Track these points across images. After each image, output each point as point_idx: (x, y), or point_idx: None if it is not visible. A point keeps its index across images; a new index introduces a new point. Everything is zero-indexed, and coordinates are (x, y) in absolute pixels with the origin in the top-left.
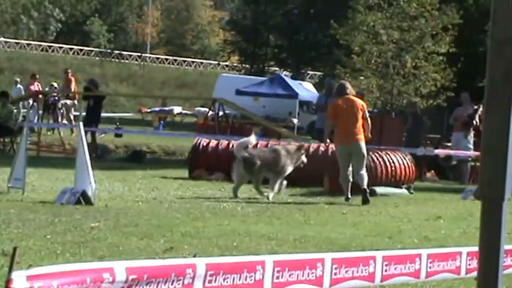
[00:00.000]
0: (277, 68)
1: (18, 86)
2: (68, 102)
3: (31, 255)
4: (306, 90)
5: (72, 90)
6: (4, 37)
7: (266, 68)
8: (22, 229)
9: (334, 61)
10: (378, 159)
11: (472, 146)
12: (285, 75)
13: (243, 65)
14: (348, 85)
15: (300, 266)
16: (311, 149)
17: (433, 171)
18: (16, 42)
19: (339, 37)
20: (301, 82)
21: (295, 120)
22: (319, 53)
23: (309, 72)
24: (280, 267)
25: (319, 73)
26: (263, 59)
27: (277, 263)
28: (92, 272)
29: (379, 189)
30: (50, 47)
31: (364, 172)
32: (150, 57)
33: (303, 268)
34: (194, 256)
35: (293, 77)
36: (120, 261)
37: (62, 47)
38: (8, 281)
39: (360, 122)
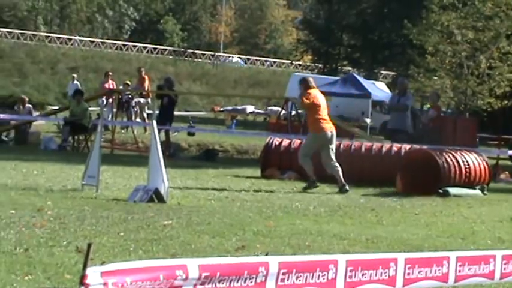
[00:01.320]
0: (350, 68)
1: (75, 82)
2: (142, 100)
3: (104, 252)
4: (379, 90)
5: (146, 88)
6: (79, 36)
7: (339, 67)
8: (96, 226)
9: (407, 61)
10: (451, 159)
11: None
12: (358, 74)
13: (316, 65)
14: (311, 79)
15: (373, 265)
16: (383, 149)
17: (507, 173)
18: (91, 41)
19: (413, 37)
20: (374, 82)
21: (368, 120)
22: (392, 53)
23: (382, 72)
24: (353, 267)
25: (392, 73)
26: (336, 58)
27: (350, 263)
28: (165, 269)
29: (452, 190)
30: (124, 45)
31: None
32: (223, 56)
33: (376, 268)
34: (266, 255)
35: (366, 77)
36: (193, 259)
37: (136, 46)
38: (83, 277)
39: None
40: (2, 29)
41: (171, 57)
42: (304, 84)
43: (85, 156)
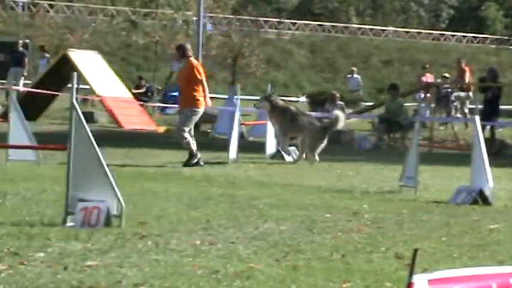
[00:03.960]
0: None
1: (355, 75)
2: (462, 94)
3: (425, 258)
4: None
5: (466, 81)
6: (393, 26)
7: None
8: (415, 230)
9: None
10: None
11: None
12: None
13: None
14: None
15: None
16: None
17: None
18: (406, 32)
19: None
20: None
21: None
22: None
23: None
24: None
25: None
26: None
27: None
28: (497, 277)
29: None
30: (441, 35)
31: None
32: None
33: None
34: None
35: None
36: None
37: (454, 35)
38: (409, 285)
39: None
40: (312, 22)
41: (493, 46)
42: (182, 52)
43: (401, 155)
